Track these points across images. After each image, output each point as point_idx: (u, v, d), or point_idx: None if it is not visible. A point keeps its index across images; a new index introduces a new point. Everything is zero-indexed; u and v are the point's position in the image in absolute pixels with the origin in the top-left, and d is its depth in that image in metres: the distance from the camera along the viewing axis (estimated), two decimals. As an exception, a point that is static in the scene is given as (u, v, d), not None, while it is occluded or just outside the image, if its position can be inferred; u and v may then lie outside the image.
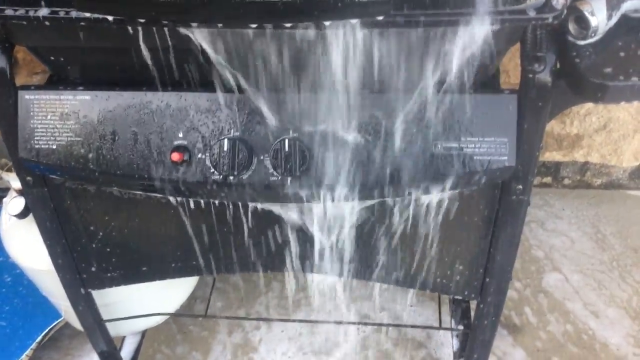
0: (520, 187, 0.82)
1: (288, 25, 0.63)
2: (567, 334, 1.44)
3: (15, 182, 1.01)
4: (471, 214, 0.89)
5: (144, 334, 1.41)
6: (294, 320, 1.47)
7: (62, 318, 1.36)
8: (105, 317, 1.13)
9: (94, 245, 0.99)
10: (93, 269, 1.03)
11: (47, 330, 1.36)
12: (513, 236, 0.88)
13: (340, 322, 1.40)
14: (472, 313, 1.18)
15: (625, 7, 0.71)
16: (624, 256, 1.59)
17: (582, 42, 0.71)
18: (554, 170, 1.74)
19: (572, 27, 0.71)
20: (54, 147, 0.83)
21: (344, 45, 0.68)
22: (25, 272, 1.21)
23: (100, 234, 0.98)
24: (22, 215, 1.02)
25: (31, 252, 1.12)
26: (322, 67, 0.71)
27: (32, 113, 0.82)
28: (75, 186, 0.91)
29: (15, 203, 1.02)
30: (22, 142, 0.83)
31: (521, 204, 0.84)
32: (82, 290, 1.05)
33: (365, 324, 1.45)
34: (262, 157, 0.79)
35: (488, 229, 0.90)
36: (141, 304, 1.24)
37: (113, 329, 1.18)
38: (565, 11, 0.66)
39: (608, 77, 0.67)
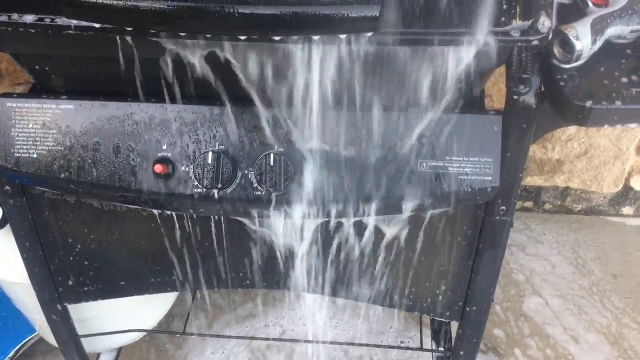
0: (504, 208, 0.82)
1: (277, 38, 0.63)
2: (547, 358, 1.43)
3: (-7, 192, 0.99)
4: (454, 234, 0.89)
5: (119, 351, 1.38)
6: (273, 339, 1.45)
7: (36, 333, 1.33)
8: (81, 332, 1.11)
9: (72, 259, 0.97)
10: (70, 282, 1.00)
11: (20, 346, 1.32)
12: (496, 257, 0.88)
13: (322, 342, 1.38)
14: (454, 335, 1.18)
15: (609, 33, 0.73)
16: (604, 282, 1.60)
17: (566, 66, 0.72)
18: (535, 195, 1.76)
19: (557, 50, 0.72)
20: (35, 156, 0.81)
21: (331, 61, 0.68)
22: (-1, 285, 1.18)
23: (79, 246, 0.96)
24: (-1, 226, 1.00)
25: (6, 264, 1.10)
26: (309, 83, 0.71)
27: (13, 121, 0.81)
28: (54, 197, 0.90)
29: (-8, 213, 1.00)
30: (2, 150, 0.82)
31: (504, 225, 0.84)
32: (59, 305, 1.03)
33: (346, 344, 1.43)
34: (246, 172, 0.79)
35: (471, 249, 0.90)
36: (118, 320, 1.22)
37: (88, 346, 1.15)
38: (550, 35, 0.67)
39: (592, 101, 0.68)
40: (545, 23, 0.66)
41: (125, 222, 0.93)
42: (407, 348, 1.42)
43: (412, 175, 0.78)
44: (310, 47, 0.65)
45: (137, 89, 0.77)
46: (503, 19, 0.66)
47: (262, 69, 0.71)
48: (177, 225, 0.91)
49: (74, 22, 0.66)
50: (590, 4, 0.75)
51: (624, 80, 0.71)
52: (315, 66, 0.68)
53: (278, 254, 0.93)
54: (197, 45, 0.68)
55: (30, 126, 0.81)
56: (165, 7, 0.58)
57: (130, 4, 0.58)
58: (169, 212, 0.89)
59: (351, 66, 0.69)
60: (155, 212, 0.89)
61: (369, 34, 0.62)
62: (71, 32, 0.67)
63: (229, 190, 0.79)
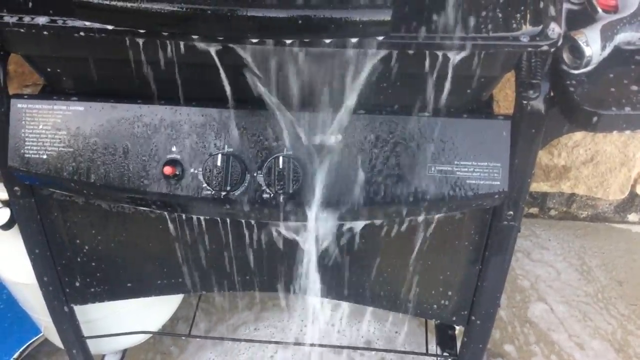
0: (511, 212, 0.82)
1: (288, 41, 0.63)
2: (552, 365, 1.43)
3: (1, 193, 0.99)
4: (461, 238, 0.89)
5: (124, 352, 1.38)
6: (276, 342, 1.45)
7: (40, 334, 1.33)
8: (86, 334, 1.11)
9: (79, 260, 0.98)
10: (77, 283, 1.01)
11: (24, 347, 1.33)
12: (503, 262, 0.88)
13: (327, 346, 1.38)
14: (459, 340, 1.17)
15: (618, 39, 0.73)
16: (609, 288, 1.60)
17: (576, 72, 0.72)
18: (541, 201, 1.76)
19: (566, 56, 0.72)
20: (45, 157, 0.82)
21: (341, 64, 0.68)
22: (6, 285, 1.18)
23: (86, 247, 0.96)
24: (6, 226, 1.00)
25: (14, 265, 1.10)
26: (317, 85, 0.71)
27: (23, 122, 0.81)
28: (63, 198, 0.90)
29: (0, 214, 1.00)
30: (12, 151, 0.82)
31: (512, 230, 0.85)
32: (65, 306, 1.03)
33: (351, 348, 1.43)
34: (255, 174, 0.79)
35: (478, 254, 0.90)
36: (124, 321, 1.22)
37: (94, 347, 1.16)
38: (560, 40, 0.67)
39: (601, 106, 0.68)
40: (555, 29, 0.67)
41: (133, 224, 0.93)
42: (412, 352, 1.41)
43: (421, 179, 0.78)
44: (320, 50, 0.66)
45: (147, 91, 0.78)
46: (513, 24, 0.66)
47: (272, 71, 0.71)
48: (184, 227, 0.91)
49: (86, 24, 0.66)
50: (600, 10, 0.75)
51: (633, 86, 0.71)
52: (325, 69, 0.68)
53: (285, 256, 0.93)
54: (208, 47, 0.68)
55: (40, 127, 0.81)
56: (178, 9, 0.58)
57: (143, 6, 0.58)
58: (176, 214, 0.89)
59: (361, 70, 0.69)
60: (163, 213, 0.89)
61: (380, 38, 0.63)
62: (83, 33, 0.67)
63: (237, 193, 0.79)
